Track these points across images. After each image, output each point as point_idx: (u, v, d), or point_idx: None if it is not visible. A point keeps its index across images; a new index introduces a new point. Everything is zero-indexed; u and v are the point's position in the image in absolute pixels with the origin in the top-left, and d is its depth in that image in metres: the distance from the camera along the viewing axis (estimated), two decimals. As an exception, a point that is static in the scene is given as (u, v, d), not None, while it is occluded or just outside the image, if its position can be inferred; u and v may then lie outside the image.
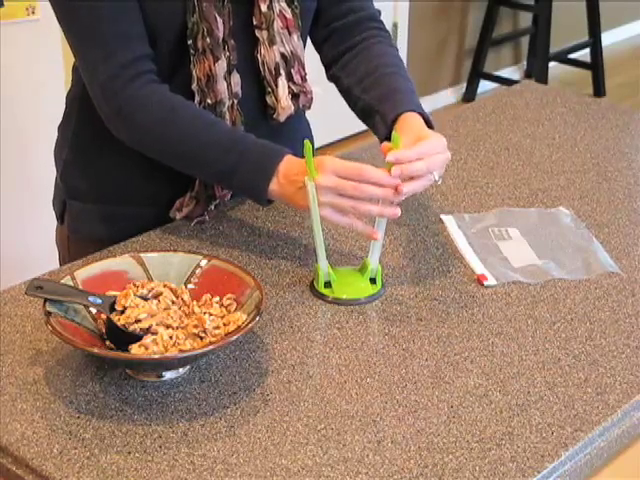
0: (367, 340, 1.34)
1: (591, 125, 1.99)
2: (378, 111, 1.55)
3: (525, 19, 5.08)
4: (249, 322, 1.24)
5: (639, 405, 1.24)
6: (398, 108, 1.52)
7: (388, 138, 1.48)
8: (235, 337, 1.21)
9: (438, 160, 1.41)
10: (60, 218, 1.73)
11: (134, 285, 1.31)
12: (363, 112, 1.61)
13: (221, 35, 1.50)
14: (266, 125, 1.60)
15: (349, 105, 1.65)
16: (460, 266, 1.50)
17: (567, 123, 2.00)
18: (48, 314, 1.23)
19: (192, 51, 1.50)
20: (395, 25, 4.47)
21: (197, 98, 1.52)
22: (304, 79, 1.62)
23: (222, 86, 1.52)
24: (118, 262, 1.35)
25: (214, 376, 1.26)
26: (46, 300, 1.25)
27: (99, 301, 1.27)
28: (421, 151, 1.39)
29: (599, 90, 4.97)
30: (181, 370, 1.26)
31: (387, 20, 4.42)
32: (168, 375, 1.25)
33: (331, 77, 1.69)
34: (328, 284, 1.42)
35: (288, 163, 1.44)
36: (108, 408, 1.20)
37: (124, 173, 1.61)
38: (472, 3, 4.84)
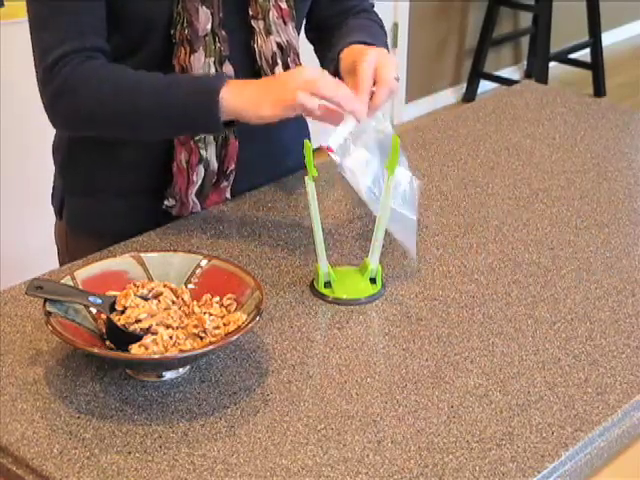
0: (367, 340, 1.34)
1: (591, 125, 1.99)
2: (327, 56, 1.60)
3: (525, 19, 5.08)
4: (249, 322, 1.24)
5: (639, 405, 1.24)
6: (340, 45, 1.57)
7: (335, 72, 1.54)
8: (235, 337, 1.22)
9: (390, 71, 1.46)
10: (59, 214, 1.73)
11: (134, 285, 1.31)
12: (324, 64, 1.63)
13: (202, 27, 1.51)
14: None
15: (321, 64, 1.66)
16: (460, 266, 1.50)
17: (567, 123, 2.00)
18: (48, 314, 1.23)
19: (173, 40, 1.52)
20: (395, 25, 4.47)
21: None
22: None
23: None
24: (118, 262, 1.35)
25: (214, 376, 1.26)
26: (46, 300, 1.25)
27: (99, 301, 1.27)
28: (368, 84, 1.44)
29: (599, 90, 4.97)
30: (181, 370, 1.26)
31: (387, 20, 4.42)
32: (168, 375, 1.25)
33: (315, 51, 1.74)
34: (328, 284, 1.42)
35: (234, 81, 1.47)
36: (108, 408, 1.20)
37: (122, 165, 1.62)
38: (472, 3, 4.84)
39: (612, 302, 1.43)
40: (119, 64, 1.51)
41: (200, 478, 1.11)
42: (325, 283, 1.42)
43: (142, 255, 1.36)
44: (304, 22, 1.71)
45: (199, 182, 1.59)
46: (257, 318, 1.24)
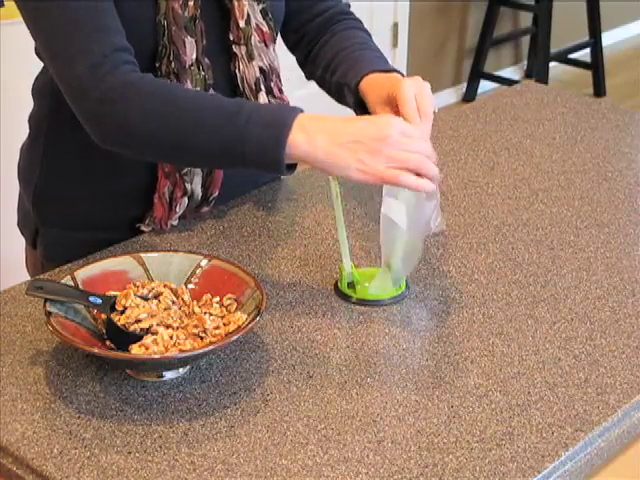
0: (367, 340, 1.34)
1: (591, 125, 1.99)
2: (345, 83, 1.53)
3: (525, 19, 5.08)
4: (249, 322, 1.24)
5: (639, 405, 1.24)
6: (359, 73, 1.50)
7: (358, 104, 1.50)
8: (235, 337, 1.22)
9: (430, 104, 1.46)
10: (32, 244, 1.66)
11: (134, 285, 1.31)
12: (336, 93, 1.58)
13: (188, 59, 1.47)
14: None
15: (327, 93, 1.62)
16: (460, 266, 1.50)
17: (567, 123, 2.00)
18: (48, 314, 1.23)
19: (158, 73, 1.47)
20: (395, 25, 4.47)
21: None
22: (281, 91, 1.60)
23: None
24: (118, 262, 1.35)
25: (214, 376, 1.26)
26: (46, 300, 1.25)
27: (99, 301, 1.27)
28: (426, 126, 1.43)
29: (599, 90, 4.97)
30: (181, 370, 1.26)
31: (387, 20, 4.42)
32: (168, 375, 1.25)
33: (307, 74, 1.66)
34: (351, 284, 1.42)
35: (307, 115, 1.33)
36: (108, 408, 1.20)
37: (102, 198, 1.56)
38: (472, 3, 4.84)
39: (612, 302, 1.43)
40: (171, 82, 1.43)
41: (200, 478, 1.11)
42: (348, 284, 1.42)
43: (142, 255, 1.36)
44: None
45: (181, 212, 1.56)
46: (257, 318, 1.24)
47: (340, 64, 1.57)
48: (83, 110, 1.38)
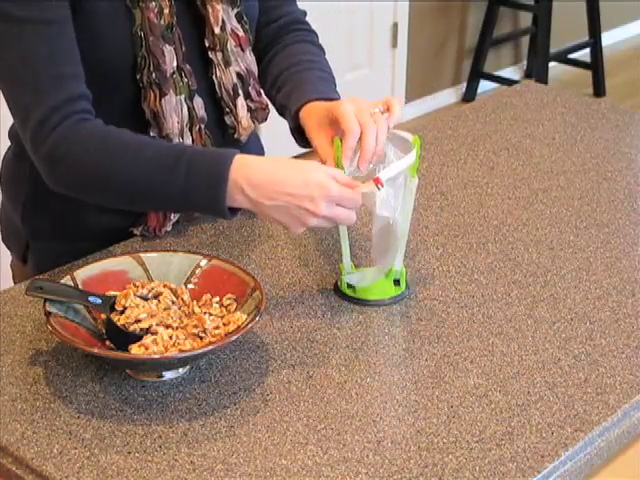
0: (367, 340, 1.34)
1: (591, 125, 1.99)
2: (287, 107, 1.54)
3: (525, 19, 5.08)
4: (249, 322, 1.24)
5: (639, 405, 1.24)
6: (301, 100, 1.51)
7: (296, 130, 1.51)
8: (235, 337, 1.22)
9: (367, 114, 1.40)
10: (22, 259, 1.63)
11: (134, 285, 1.31)
12: (279, 111, 1.59)
13: (169, 68, 1.46)
14: (225, 146, 1.51)
15: (274, 107, 1.62)
16: (460, 266, 1.50)
17: (567, 123, 2.00)
18: (48, 314, 1.23)
19: (141, 84, 1.46)
20: (395, 25, 4.46)
21: (150, 130, 1.48)
22: (259, 94, 1.60)
23: (170, 121, 1.47)
24: (118, 262, 1.35)
25: (214, 376, 1.26)
26: (46, 300, 1.25)
27: (99, 301, 1.27)
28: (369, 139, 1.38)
29: (599, 90, 4.97)
30: (181, 370, 1.26)
31: (387, 20, 4.42)
32: (168, 375, 1.25)
33: None
34: (351, 284, 1.42)
35: (241, 162, 1.36)
36: (108, 408, 1.20)
37: (94, 207, 1.51)
38: (472, 3, 4.84)
39: (612, 302, 1.43)
40: (115, 127, 1.41)
41: (200, 478, 1.11)
42: (348, 284, 1.42)
43: (142, 255, 1.36)
44: None
45: (174, 220, 1.55)
46: (257, 318, 1.24)
47: (285, 83, 1.58)
48: (35, 161, 1.42)
